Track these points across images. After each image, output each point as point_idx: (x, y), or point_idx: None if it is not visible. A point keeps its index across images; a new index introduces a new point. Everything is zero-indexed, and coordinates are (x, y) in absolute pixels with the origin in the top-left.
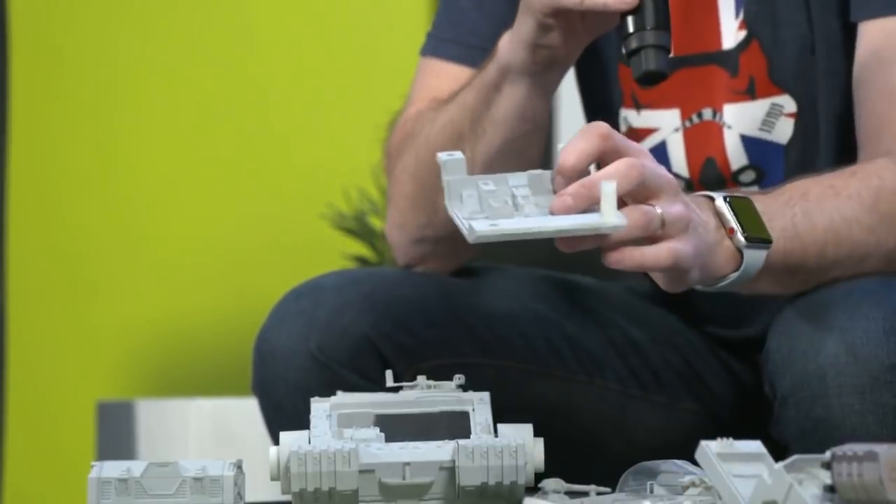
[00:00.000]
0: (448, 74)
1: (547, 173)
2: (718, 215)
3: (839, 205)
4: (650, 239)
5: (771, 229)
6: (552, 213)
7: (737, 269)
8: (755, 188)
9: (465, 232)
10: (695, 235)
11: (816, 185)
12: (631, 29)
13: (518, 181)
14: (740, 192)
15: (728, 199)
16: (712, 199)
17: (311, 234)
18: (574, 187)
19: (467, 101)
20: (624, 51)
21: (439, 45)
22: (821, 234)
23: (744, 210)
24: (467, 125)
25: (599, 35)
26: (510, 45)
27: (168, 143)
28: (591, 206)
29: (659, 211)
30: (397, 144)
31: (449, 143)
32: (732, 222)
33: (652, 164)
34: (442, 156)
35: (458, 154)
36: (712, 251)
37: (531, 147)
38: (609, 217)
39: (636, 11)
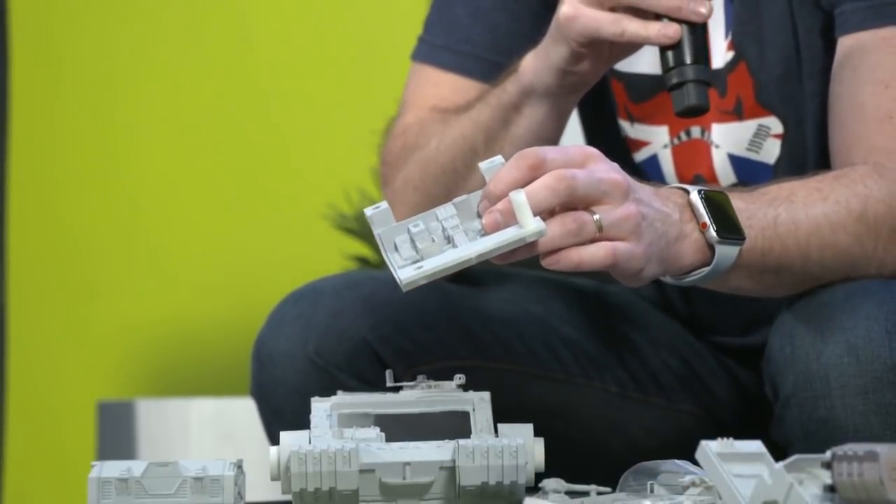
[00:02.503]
0: (445, 83)
1: (473, 197)
2: (692, 209)
3: (825, 209)
4: (590, 241)
5: (749, 227)
6: (484, 232)
7: (707, 264)
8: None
9: (398, 282)
10: (649, 232)
11: (803, 187)
12: (671, 63)
13: (446, 212)
14: (720, 187)
15: (703, 193)
16: (687, 191)
17: (312, 234)
18: (502, 203)
19: (482, 118)
20: (665, 85)
21: (433, 51)
22: (804, 236)
23: (718, 205)
24: (481, 141)
25: (621, 60)
26: (535, 68)
27: (168, 143)
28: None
29: (596, 217)
30: (396, 154)
31: (460, 158)
32: (705, 216)
33: (594, 170)
34: (368, 211)
35: (383, 205)
36: (674, 244)
37: None
38: (528, 226)
39: (675, 45)
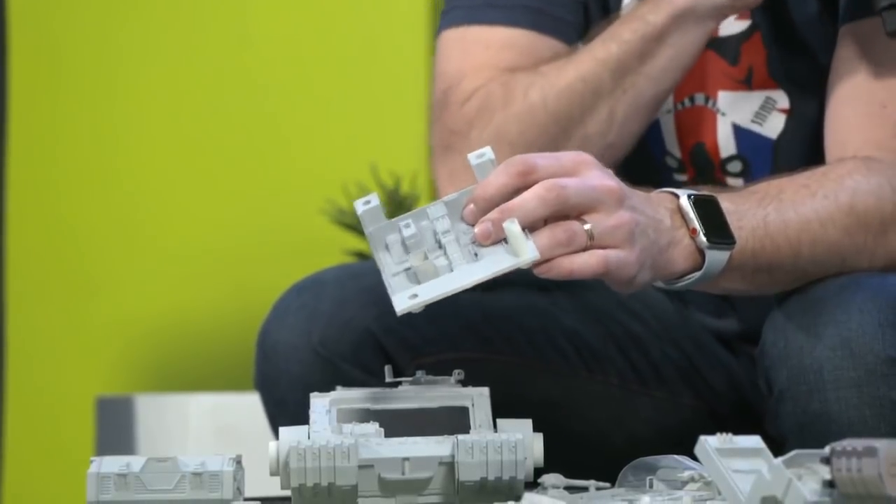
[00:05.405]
0: (496, 40)
1: (464, 195)
2: (682, 214)
3: (814, 205)
4: (583, 249)
5: (740, 228)
6: (476, 240)
7: (698, 268)
8: (741, 180)
9: (390, 298)
10: (642, 239)
11: (791, 184)
12: None
13: (437, 211)
14: (708, 189)
15: (692, 198)
16: (677, 196)
17: (310, 229)
18: (494, 214)
19: (610, 55)
20: (877, 6)
21: (473, 12)
22: (794, 233)
23: (708, 209)
24: (608, 80)
25: None
26: None
27: (167, 139)
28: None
29: (587, 226)
30: (471, 118)
31: (578, 102)
32: (695, 222)
33: (587, 177)
34: (358, 206)
35: (374, 200)
36: (665, 251)
37: (665, 100)
38: (523, 255)
39: None
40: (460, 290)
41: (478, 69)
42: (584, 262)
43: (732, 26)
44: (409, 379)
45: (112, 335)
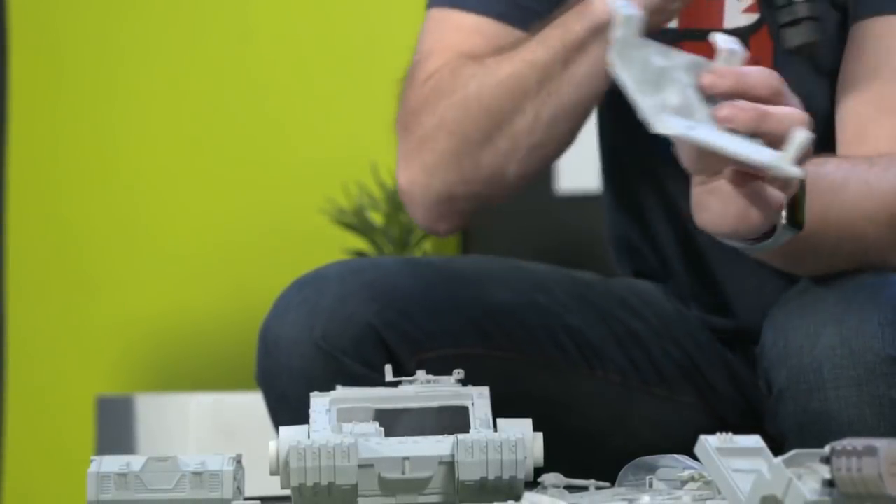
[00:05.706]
0: (467, 25)
1: (706, 64)
2: None
3: (869, 204)
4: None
5: (809, 209)
6: (719, 119)
7: (762, 239)
8: None
9: (646, 117)
10: None
11: (854, 176)
12: (781, 1)
13: (681, 60)
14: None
15: None
16: None
17: (310, 228)
18: (750, 111)
19: (537, 58)
20: (777, 22)
21: None
22: (843, 229)
23: (798, 191)
24: (534, 81)
25: None
26: None
27: (167, 138)
28: (753, 133)
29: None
30: (424, 99)
31: (508, 99)
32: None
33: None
34: (618, 6)
35: (638, 13)
36: None
37: (594, 107)
38: (789, 163)
39: None
40: (732, 155)
41: (444, 50)
42: (773, 197)
43: (740, 18)
44: (410, 378)
45: (112, 335)
